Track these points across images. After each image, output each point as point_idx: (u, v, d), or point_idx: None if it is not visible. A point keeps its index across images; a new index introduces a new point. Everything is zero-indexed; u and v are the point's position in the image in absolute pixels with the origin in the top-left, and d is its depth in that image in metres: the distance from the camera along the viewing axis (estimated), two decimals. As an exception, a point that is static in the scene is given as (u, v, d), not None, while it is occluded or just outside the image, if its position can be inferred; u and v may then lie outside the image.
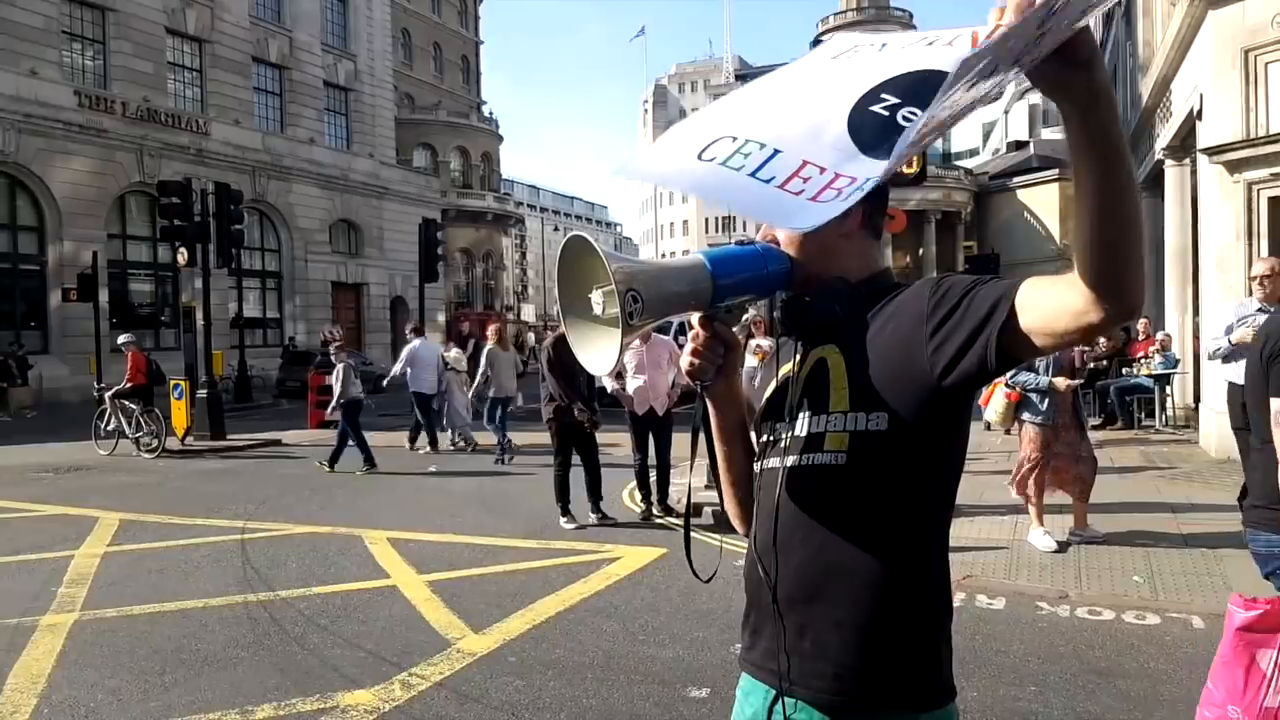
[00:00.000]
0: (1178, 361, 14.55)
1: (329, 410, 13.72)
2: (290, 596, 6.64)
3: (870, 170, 1.31)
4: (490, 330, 14.14)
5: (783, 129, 1.39)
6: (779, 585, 1.64)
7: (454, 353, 16.23)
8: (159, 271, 31.19)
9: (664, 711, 4.54)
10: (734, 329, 1.75)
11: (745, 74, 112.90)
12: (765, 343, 9.14)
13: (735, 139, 1.38)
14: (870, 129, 1.33)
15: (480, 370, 13.63)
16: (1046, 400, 7.40)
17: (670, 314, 1.64)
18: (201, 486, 11.99)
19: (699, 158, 1.40)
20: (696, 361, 1.70)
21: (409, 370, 14.77)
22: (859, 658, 1.57)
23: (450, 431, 15.46)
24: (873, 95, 1.34)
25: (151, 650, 5.56)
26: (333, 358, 13.46)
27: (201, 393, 16.74)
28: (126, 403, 15.09)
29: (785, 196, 1.31)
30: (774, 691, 1.65)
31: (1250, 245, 10.96)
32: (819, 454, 1.62)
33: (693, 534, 1.90)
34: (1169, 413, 14.77)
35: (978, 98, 1.32)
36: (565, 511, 8.86)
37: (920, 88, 1.30)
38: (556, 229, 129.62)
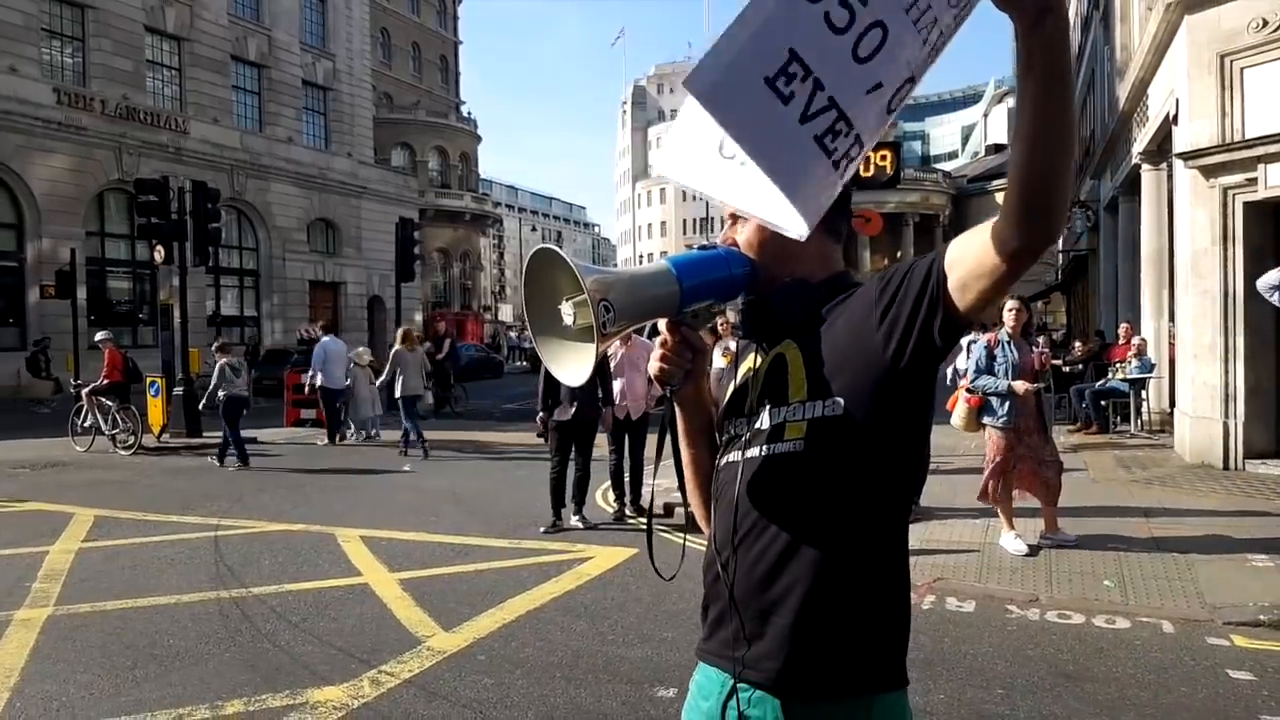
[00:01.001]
0: (1153, 366, 14.68)
1: (200, 404, 14.33)
2: (262, 593, 6.61)
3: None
4: (399, 333, 15.00)
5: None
6: (738, 575, 1.66)
7: (361, 349, 17.55)
8: (137, 269, 31.01)
9: (631, 711, 4.55)
10: (702, 330, 1.77)
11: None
12: (734, 345, 9.17)
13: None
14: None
15: (387, 370, 14.57)
16: (1007, 404, 7.45)
17: (641, 321, 1.65)
18: (176, 483, 11.92)
19: (721, 154, 1.44)
20: (665, 366, 1.74)
21: (323, 366, 15.72)
22: (816, 642, 1.59)
23: (353, 425, 16.59)
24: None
25: (124, 645, 5.53)
26: (215, 354, 13.84)
27: (178, 390, 16.63)
28: (103, 400, 15.01)
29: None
30: (730, 678, 1.66)
31: (1226, 250, 11.06)
32: (779, 444, 1.65)
33: (662, 534, 1.92)
34: (1144, 417, 14.89)
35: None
36: (558, 514, 8.80)
37: None
38: (534, 229, 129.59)
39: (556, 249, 1.58)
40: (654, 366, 1.74)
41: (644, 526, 8.74)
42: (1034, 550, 7.37)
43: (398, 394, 14.20)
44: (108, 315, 28.73)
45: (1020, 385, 7.36)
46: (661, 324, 1.71)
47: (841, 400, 1.59)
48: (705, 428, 1.86)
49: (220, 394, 13.33)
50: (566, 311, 1.58)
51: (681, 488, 1.92)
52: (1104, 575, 6.74)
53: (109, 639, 5.68)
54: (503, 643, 5.54)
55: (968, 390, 7.68)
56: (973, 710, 4.56)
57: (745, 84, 1.29)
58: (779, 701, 1.60)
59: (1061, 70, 1.27)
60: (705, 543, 1.80)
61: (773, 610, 1.61)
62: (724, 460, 1.77)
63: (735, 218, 1.77)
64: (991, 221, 1.39)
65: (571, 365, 1.62)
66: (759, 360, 1.76)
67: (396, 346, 14.54)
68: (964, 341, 7.70)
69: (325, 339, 16.37)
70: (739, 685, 1.64)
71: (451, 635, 5.64)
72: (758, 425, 1.69)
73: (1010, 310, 7.56)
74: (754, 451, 1.68)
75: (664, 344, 1.72)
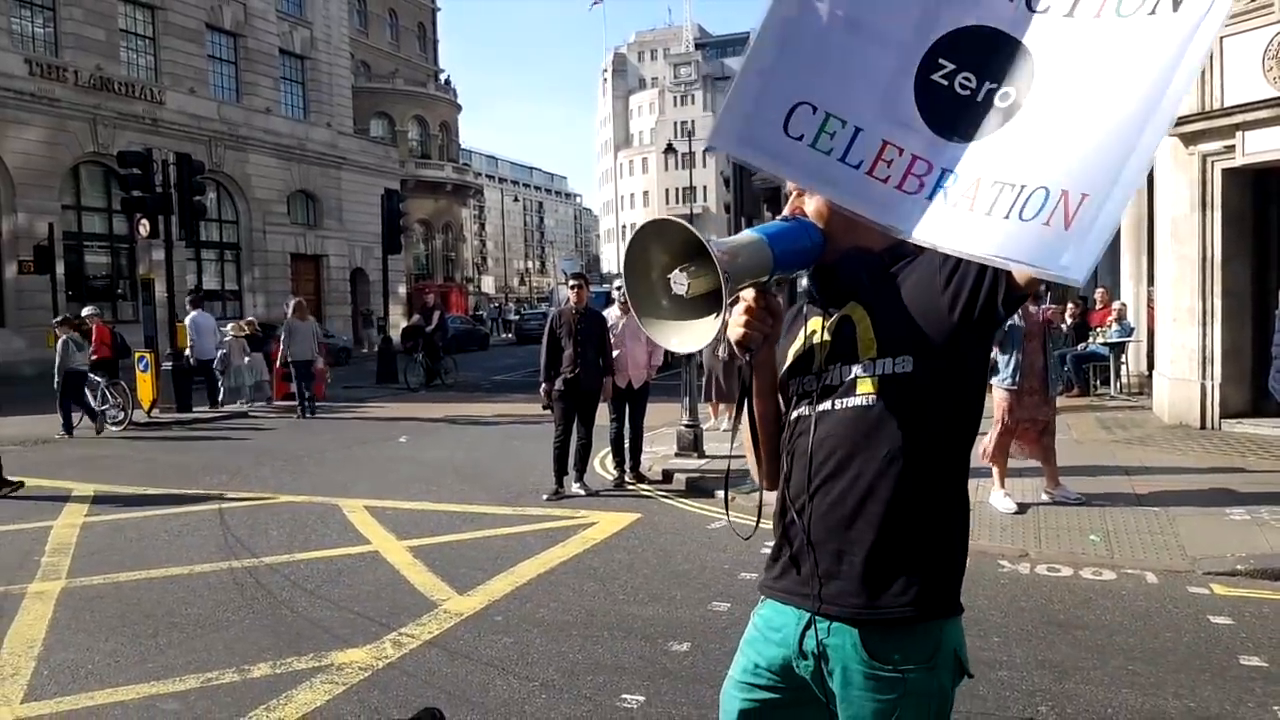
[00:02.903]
0: (1133, 330, 14.95)
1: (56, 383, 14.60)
2: (274, 563, 6.75)
3: (949, 160, 1.40)
4: (291, 304, 17.20)
5: (854, 98, 1.44)
6: (814, 519, 1.84)
7: (241, 320, 19.23)
8: (115, 244, 30.73)
9: (648, 664, 4.74)
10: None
11: (705, 42, 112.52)
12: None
13: (814, 109, 1.44)
14: (940, 106, 1.41)
15: (283, 339, 16.45)
16: (1012, 364, 7.64)
17: (741, 288, 1.74)
18: (172, 458, 12.00)
19: (787, 132, 1.46)
20: (749, 331, 1.83)
21: (195, 338, 17.20)
22: (891, 577, 1.78)
23: (223, 391, 17.62)
24: (931, 61, 1.41)
25: (143, 615, 5.67)
26: (57, 332, 14.68)
27: (167, 365, 16.65)
28: (92, 376, 14.98)
29: (877, 187, 1.42)
30: (807, 614, 1.84)
31: (1205, 215, 11.27)
32: (851, 398, 1.83)
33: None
34: (1124, 380, 15.18)
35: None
36: (560, 481, 8.93)
37: (969, 45, 1.39)
38: (516, 199, 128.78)
39: (677, 219, 1.65)
40: (737, 332, 1.83)
41: (644, 493, 8.94)
42: (1022, 508, 7.60)
43: (290, 360, 16.16)
44: (85, 291, 28.49)
45: None
46: (747, 291, 1.79)
47: (911, 358, 1.77)
48: (772, 388, 2.01)
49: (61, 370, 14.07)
50: (679, 281, 1.62)
51: (755, 446, 2.04)
52: (1090, 530, 6.99)
53: (127, 609, 5.82)
54: (517, 604, 5.72)
55: None
56: (973, 657, 4.72)
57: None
58: (857, 631, 1.79)
59: None
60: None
61: (850, 550, 1.80)
62: (794, 415, 1.94)
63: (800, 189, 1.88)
64: None
65: (685, 335, 1.69)
66: (824, 322, 1.92)
67: (290, 318, 16.58)
68: None
69: (194, 313, 17.58)
70: (816, 618, 1.83)
71: (466, 598, 5.81)
72: (828, 381, 1.87)
73: None
74: (826, 405, 1.86)
75: (748, 311, 1.81)
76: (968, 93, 1.41)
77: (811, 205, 1.87)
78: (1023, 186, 1.37)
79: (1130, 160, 1.32)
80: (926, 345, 1.77)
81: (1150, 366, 14.31)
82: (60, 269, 25.36)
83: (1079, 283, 1.40)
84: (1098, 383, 15.40)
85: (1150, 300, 14.71)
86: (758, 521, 2.03)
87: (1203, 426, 11.31)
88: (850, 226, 1.78)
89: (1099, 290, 16.26)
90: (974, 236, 1.38)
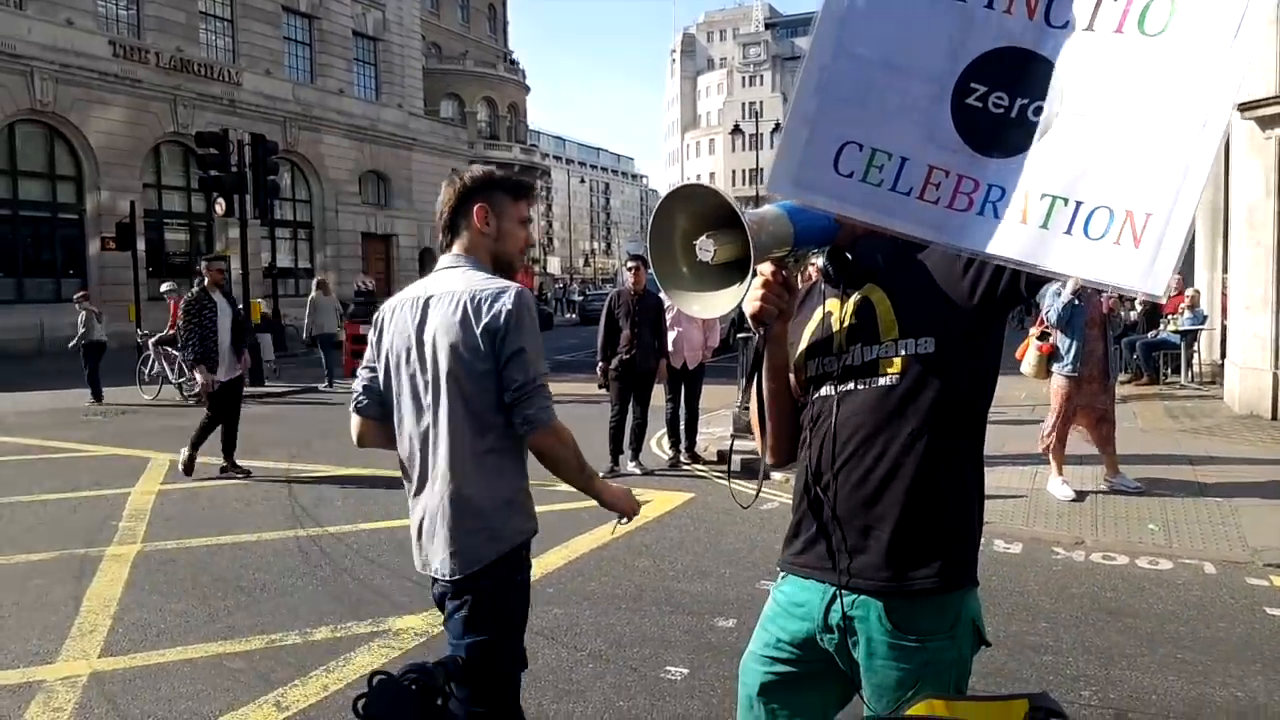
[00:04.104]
0: (1205, 318, 14.60)
1: (71, 344, 15.66)
2: (338, 532, 6.99)
3: (995, 176, 1.48)
4: (314, 282, 18.40)
5: (896, 131, 1.52)
6: (839, 496, 1.91)
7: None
8: (193, 221, 31.63)
9: (694, 639, 4.84)
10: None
11: (775, 22, 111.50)
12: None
13: (861, 147, 1.53)
14: (978, 127, 1.49)
15: (307, 314, 17.40)
16: (1073, 351, 7.55)
17: (764, 259, 1.80)
18: (244, 430, 12.25)
19: (837, 171, 1.55)
20: (765, 305, 1.90)
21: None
22: (915, 551, 1.85)
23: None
24: (964, 86, 1.48)
25: (213, 578, 5.93)
26: (76, 306, 15.69)
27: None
28: (169, 349, 15.50)
29: (929, 209, 1.50)
30: (832, 588, 1.92)
31: (1280, 202, 10.98)
32: (875, 378, 1.90)
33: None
34: (1195, 369, 14.85)
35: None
36: (616, 460, 9.09)
37: (997, 67, 1.47)
38: (583, 181, 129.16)
39: (708, 185, 1.73)
40: (753, 306, 1.90)
41: (699, 473, 9.03)
42: (1080, 496, 7.53)
43: (314, 333, 17.19)
44: (165, 267, 29.36)
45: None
46: (765, 266, 1.86)
47: (933, 339, 1.84)
48: (785, 364, 2.07)
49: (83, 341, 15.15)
50: (706, 247, 1.68)
51: (761, 424, 2.13)
52: (1148, 520, 6.90)
53: (198, 572, 6.08)
54: (569, 577, 5.87)
55: (1038, 339, 7.79)
56: (1018, 641, 4.79)
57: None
58: (882, 604, 1.87)
59: None
60: (772, 487, 2.07)
61: (876, 526, 1.87)
62: (817, 394, 2.00)
63: None
64: None
65: (711, 302, 1.76)
66: (842, 303, 1.98)
67: (314, 294, 17.52)
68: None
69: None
70: (842, 592, 1.90)
71: (520, 570, 5.95)
72: (848, 362, 1.93)
73: None
74: (848, 385, 1.92)
75: (766, 285, 1.88)
76: (1001, 110, 1.48)
77: None
78: (1079, 203, 1.43)
79: (1187, 176, 1.37)
80: (948, 326, 1.83)
81: (1223, 355, 13.97)
82: (141, 246, 26.13)
83: (1159, 298, 1.45)
84: (1168, 371, 15.07)
85: (1225, 287, 14.35)
86: (758, 491, 2.09)
87: (1274, 417, 11.03)
88: None
89: (1174, 278, 15.88)
90: (1040, 249, 1.44)
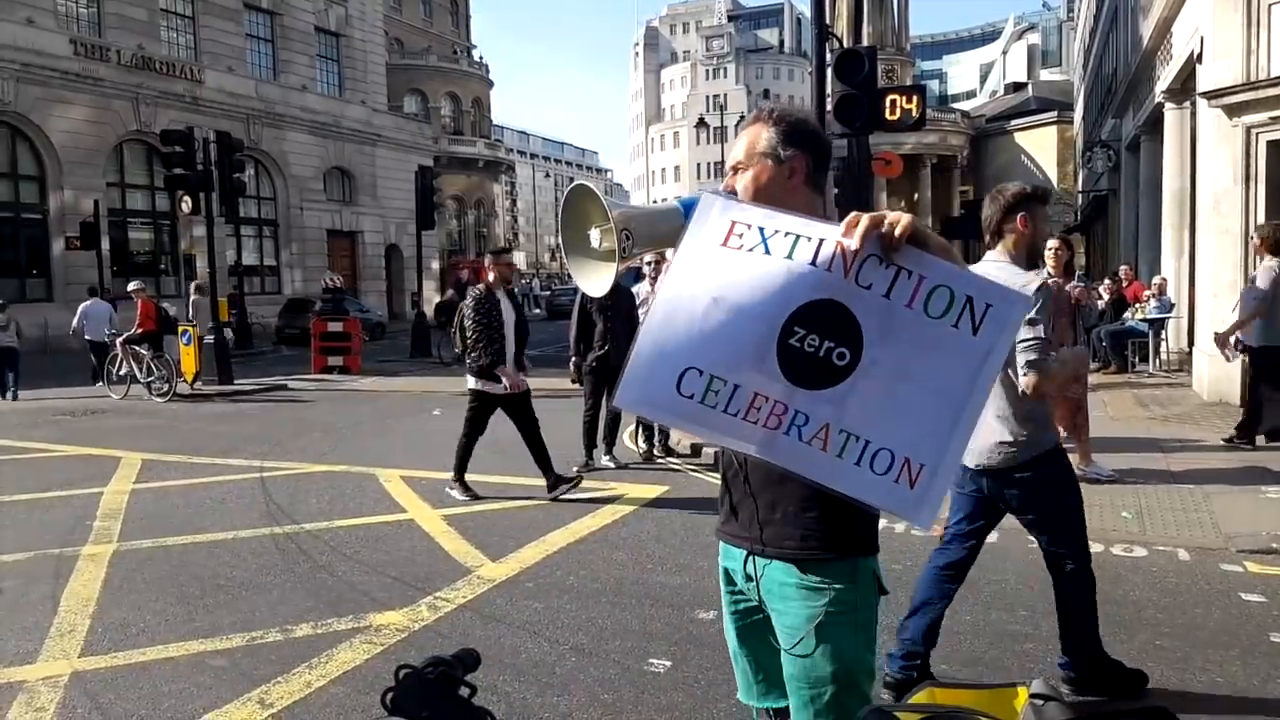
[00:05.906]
0: (1173, 306, 14.79)
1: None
2: (314, 529, 6.93)
3: (802, 404, 1.69)
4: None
5: (733, 362, 1.72)
6: (752, 472, 2.13)
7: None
8: (157, 220, 31.28)
9: (675, 630, 4.85)
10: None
11: (737, 14, 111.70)
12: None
13: (701, 372, 1.72)
14: (795, 363, 1.69)
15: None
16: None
17: (652, 249, 2.06)
18: (215, 428, 12.26)
19: (679, 392, 1.73)
20: None
21: (85, 323, 17.27)
22: (818, 521, 2.07)
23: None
24: (789, 328, 1.69)
25: (191, 577, 5.86)
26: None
27: (208, 339, 16.96)
28: (137, 349, 15.33)
29: (751, 428, 1.70)
30: (746, 552, 2.18)
31: (1248, 189, 11.12)
32: None
33: (693, 472, 2.23)
34: (1163, 357, 15.04)
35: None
36: (590, 454, 9.08)
37: (815, 314, 1.69)
38: (548, 175, 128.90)
39: (591, 186, 1.99)
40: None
41: (673, 466, 9.03)
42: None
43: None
44: (129, 266, 29.01)
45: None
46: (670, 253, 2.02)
47: None
48: None
49: None
50: (594, 236, 1.95)
51: None
52: (1122, 508, 6.97)
53: (176, 571, 6.01)
54: (548, 572, 5.85)
55: None
56: (998, 630, 4.83)
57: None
58: (793, 565, 2.10)
59: None
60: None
61: (781, 500, 2.10)
62: None
63: (736, 167, 2.11)
64: None
65: (593, 279, 2.00)
66: None
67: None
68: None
69: (88, 301, 17.83)
70: (756, 554, 2.15)
71: (499, 565, 5.95)
72: None
73: (1051, 249, 7.32)
74: None
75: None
76: (813, 351, 1.69)
77: (741, 182, 2.07)
78: (868, 442, 1.67)
79: (953, 436, 1.66)
80: None
81: (1190, 343, 14.16)
82: (105, 245, 25.82)
83: (927, 530, 1.80)
84: (1135, 359, 15.25)
85: (1192, 276, 14.54)
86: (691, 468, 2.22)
87: (1242, 404, 11.18)
88: (776, 205, 1.92)
89: (1123, 267, 16.13)
90: (835, 474, 1.68)
